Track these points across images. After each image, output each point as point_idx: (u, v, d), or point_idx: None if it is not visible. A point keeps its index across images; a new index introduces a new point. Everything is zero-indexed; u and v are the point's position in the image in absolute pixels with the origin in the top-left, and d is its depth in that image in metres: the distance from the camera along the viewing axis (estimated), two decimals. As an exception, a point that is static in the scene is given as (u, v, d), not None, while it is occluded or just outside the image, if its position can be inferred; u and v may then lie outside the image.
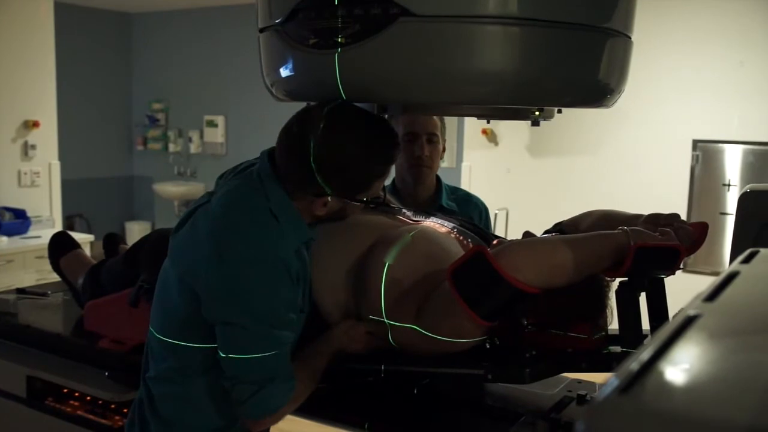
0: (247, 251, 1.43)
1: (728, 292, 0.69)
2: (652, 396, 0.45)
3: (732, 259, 1.71)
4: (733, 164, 4.91)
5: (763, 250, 0.85)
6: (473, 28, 1.41)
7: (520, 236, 1.74)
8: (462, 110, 1.91)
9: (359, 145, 1.48)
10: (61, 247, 2.27)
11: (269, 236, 1.46)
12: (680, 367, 0.50)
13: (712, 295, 0.68)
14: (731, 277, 0.74)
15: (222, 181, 1.65)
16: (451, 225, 1.74)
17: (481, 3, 1.40)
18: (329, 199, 1.50)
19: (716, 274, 4.42)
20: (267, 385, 1.44)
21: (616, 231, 1.43)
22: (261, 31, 1.65)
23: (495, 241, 1.70)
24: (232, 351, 1.44)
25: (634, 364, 0.49)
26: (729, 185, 4.90)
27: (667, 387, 0.47)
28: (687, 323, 0.59)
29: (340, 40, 1.44)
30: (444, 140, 2.26)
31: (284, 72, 1.59)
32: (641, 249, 1.38)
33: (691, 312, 0.61)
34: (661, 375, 0.48)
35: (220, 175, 1.69)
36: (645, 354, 0.51)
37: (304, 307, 1.56)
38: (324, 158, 1.45)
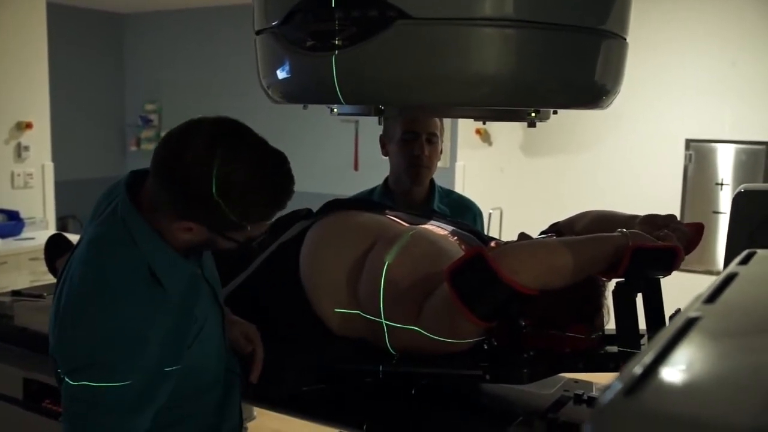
0: (113, 327, 1.26)
1: (727, 294, 0.70)
2: (656, 398, 0.46)
3: (727, 258, 1.73)
4: (725, 163, 4.93)
5: (760, 252, 0.86)
6: (469, 31, 1.42)
7: (514, 236, 1.74)
8: (458, 112, 1.91)
9: (241, 181, 1.23)
10: (57, 248, 2.26)
11: (141, 310, 1.26)
12: (683, 370, 0.51)
13: (712, 297, 0.68)
14: (730, 278, 0.75)
15: (91, 221, 1.42)
16: (450, 228, 1.74)
17: (478, 5, 1.41)
18: (193, 226, 1.29)
19: (709, 272, 4.41)
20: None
21: (614, 233, 1.44)
22: (257, 33, 1.65)
23: (492, 243, 1.70)
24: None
25: (637, 367, 0.50)
26: (722, 184, 4.93)
27: (671, 389, 0.48)
28: (688, 325, 0.60)
29: (337, 42, 1.44)
30: (441, 141, 2.26)
31: (281, 74, 1.59)
32: (638, 250, 1.39)
33: (692, 314, 0.62)
34: (664, 377, 0.49)
35: (98, 200, 1.45)
36: (648, 357, 0.52)
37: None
38: (199, 186, 1.22)
